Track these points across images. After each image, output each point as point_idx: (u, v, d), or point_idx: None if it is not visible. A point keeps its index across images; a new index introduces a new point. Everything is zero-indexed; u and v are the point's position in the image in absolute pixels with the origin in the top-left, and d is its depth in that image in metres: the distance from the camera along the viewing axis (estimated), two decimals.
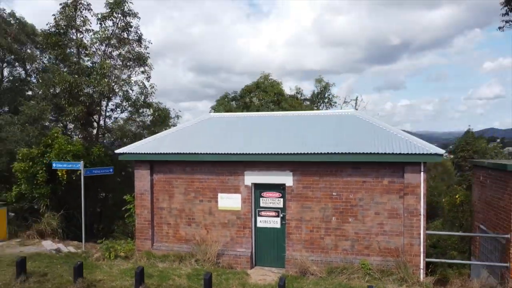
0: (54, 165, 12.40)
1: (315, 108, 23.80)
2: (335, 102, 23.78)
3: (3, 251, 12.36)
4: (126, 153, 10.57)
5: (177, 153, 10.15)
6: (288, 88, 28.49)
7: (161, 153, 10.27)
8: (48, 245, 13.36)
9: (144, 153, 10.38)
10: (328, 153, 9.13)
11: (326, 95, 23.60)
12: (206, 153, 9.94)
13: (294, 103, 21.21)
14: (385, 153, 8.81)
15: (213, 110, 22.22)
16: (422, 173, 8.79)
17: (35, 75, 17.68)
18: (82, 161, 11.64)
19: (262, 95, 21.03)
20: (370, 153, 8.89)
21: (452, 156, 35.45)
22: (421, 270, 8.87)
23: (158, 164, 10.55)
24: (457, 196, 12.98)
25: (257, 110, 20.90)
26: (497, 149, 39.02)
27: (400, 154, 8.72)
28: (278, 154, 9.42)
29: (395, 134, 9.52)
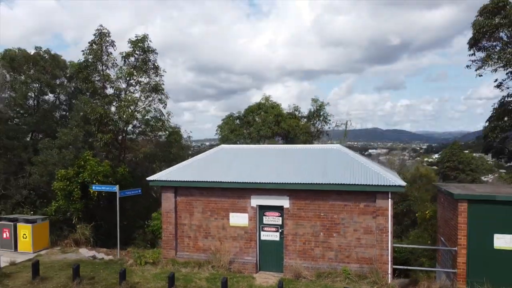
0: (93, 187, 14.91)
1: (311, 125, 26.29)
2: (329, 120, 26.35)
3: (49, 257, 14.85)
4: (155, 180, 13.11)
5: (196, 181, 12.67)
6: (287, 105, 30.89)
7: (183, 181, 12.79)
8: (85, 252, 15.86)
9: (170, 180, 12.91)
10: (317, 183, 11.66)
11: (321, 114, 26.13)
12: (220, 181, 12.46)
13: (292, 122, 23.72)
14: (361, 184, 11.32)
15: (219, 129, 24.76)
16: (389, 199, 11.31)
17: (65, 102, 20.16)
18: (117, 185, 14.13)
19: (264, 115, 23.57)
20: (350, 184, 11.41)
21: (438, 167, 38.11)
22: (389, 275, 11.38)
23: (181, 188, 13.06)
24: (427, 212, 15.53)
25: (259, 130, 23.43)
26: (482, 159, 41.58)
27: (372, 185, 11.23)
28: (277, 183, 11.95)
29: (369, 167, 12.04)
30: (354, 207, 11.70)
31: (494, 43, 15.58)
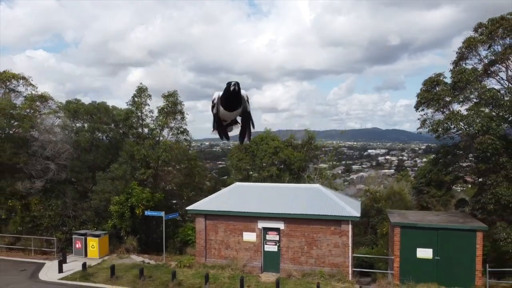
0: (146, 213, 20.72)
1: (304, 152, 32.07)
2: (320, 148, 32.17)
3: (111, 262, 20.53)
4: (191, 209, 18.94)
5: (220, 211, 18.49)
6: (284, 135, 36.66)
7: (211, 210, 18.61)
8: (135, 257, 21.66)
9: (201, 210, 18.74)
10: (302, 213, 17.47)
11: (311, 142, 31.92)
12: (236, 211, 18.28)
13: (288, 152, 29.51)
14: (332, 215, 17.13)
15: (229, 158, 30.54)
16: (350, 225, 17.10)
17: (113, 141, 25.91)
18: (163, 212, 19.93)
19: (265, 147, 29.32)
20: (324, 214, 17.22)
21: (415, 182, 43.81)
22: (349, 275, 17.19)
23: (209, 215, 18.87)
24: (384, 229, 21.31)
25: (261, 159, 29.23)
26: None
27: (339, 215, 17.04)
28: (275, 213, 17.78)
29: (338, 202, 17.85)
30: (327, 230, 17.51)
31: (435, 105, 21.09)
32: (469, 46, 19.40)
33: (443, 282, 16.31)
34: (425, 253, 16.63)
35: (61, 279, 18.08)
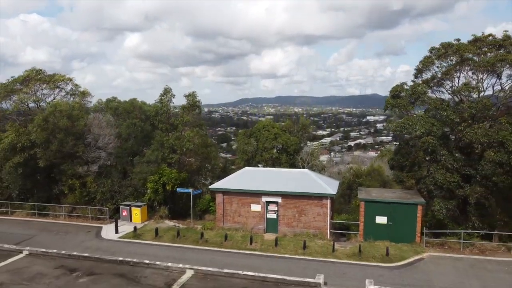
0: (177, 189, 27.31)
1: (298, 137, 38.48)
2: (311, 136, 38.53)
3: (151, 226, 27.27)
4: (213, 187, 25.55)
5: (234, 189, 25.09)
6: (282, 122, 42.79)
7: (227, 188, 25.22)
8: (168, 222, 28.42)
9: (220, 188, 25.34)
10: (294, 191, 24.09)
11: (305, 130, 38.29)
12: (246, 189, 24.89)
13: (286, 138, 35.90)
14: (316, 193, 23.75)
15: (237, 141, 36.90)
16: (328, 200, 23.75)
17: (145, 132, 32.05)
18: (191, 189, 26.51)
19: (266, 133, 35.65)
20: (310, 192, 23.83)
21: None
22: (328, 235, 24.02)
23: (226, 192, 25.47)
24: (357, 202, 28.10)
25: (264, 142, 35.67)
26: None
27: (320, 193, 23.67)
28: (275, 191, 24.39)
29: (320, 184, 24.40)
30: (312, 203, 24.18)
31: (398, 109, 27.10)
32: (424, 64, 25.37)
33: (394, 239, 23.10)
34: (381, 219, 23.39)
35: (120, 237, 24.89)
